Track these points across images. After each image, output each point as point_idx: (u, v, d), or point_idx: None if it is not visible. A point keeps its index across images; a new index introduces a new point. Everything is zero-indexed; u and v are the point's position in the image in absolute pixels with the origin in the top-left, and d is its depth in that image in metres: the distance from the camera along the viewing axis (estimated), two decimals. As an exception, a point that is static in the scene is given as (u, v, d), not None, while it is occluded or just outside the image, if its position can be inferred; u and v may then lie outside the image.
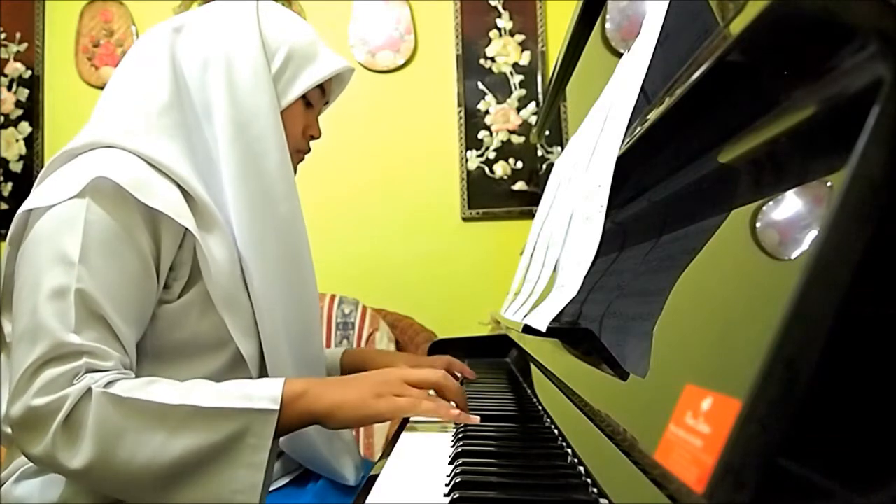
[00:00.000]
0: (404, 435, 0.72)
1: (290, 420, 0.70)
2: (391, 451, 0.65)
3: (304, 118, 0.92)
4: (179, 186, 0.78)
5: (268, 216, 0.84)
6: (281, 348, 0.85)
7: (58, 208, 0.72)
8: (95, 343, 0.69)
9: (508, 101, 2.32)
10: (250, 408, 0.68)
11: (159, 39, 0.86)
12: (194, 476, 0.67)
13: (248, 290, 0.83)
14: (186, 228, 0.76)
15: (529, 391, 0.89)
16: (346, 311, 2.07)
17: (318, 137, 0.95)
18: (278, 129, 0.85)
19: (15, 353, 0.69)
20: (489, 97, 2.32)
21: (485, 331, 1.52)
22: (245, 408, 0.68)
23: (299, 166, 0.95)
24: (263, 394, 0.69)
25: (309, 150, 0.96)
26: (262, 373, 0.85)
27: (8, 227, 0.78)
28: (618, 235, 0.64)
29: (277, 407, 0.68)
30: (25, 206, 0.75)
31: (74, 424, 0.65)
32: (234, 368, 0.82)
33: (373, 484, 0.53)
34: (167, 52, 0.84)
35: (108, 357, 0.69)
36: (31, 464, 0.76)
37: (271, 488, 0.83)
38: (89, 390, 0.66)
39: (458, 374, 1.02)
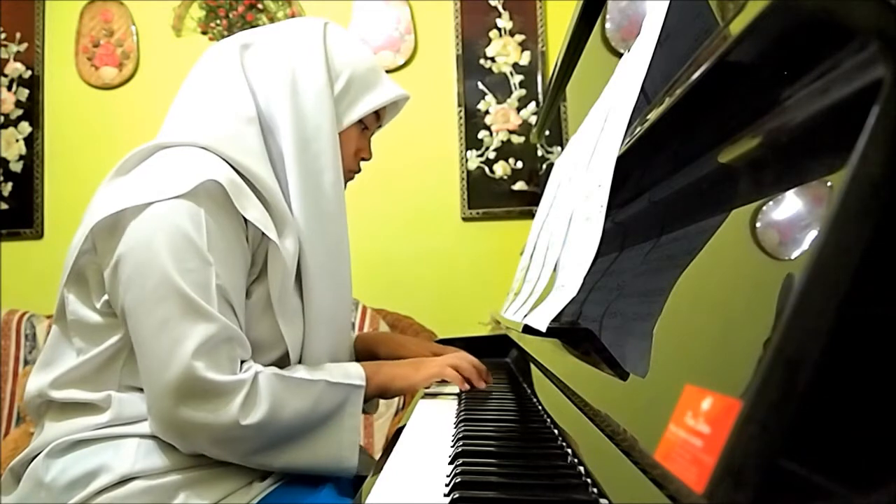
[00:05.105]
0: (405, 430, 0.72)
1: (368, 393, 0.88)
2: (392, 448, 0.65)
3: (358, 140, 0.97)
4: (259, 193, 0.84)
5: (319, 234, 0.89)
6: (320, 340, 0.92)
7: (174, 203, 0.76)
8: (238, 330, 0.79)
9: (508, 101, 2.32)
10: (350, 383, 0.86)
11: (228, 55, 0.90)
12: (315, 435, 0.83)
13: (300, 289, 0.89)
14: (264, 234, 0.82)
15: (529, 391, 0.89)
16: (346, 311, 2.07)
17: (368, 159, 1.01)
18: (335, 148, 0.91)
19: (163, 330, 0.74)
20: (489, 97, 2.32)
21: (485, 331, 1.52)
22: (347, 383, 0.86)
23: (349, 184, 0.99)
24: (354, 373, 0.88)
25: (359, 170, 1.01)
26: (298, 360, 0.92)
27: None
28: (618, 235, 0.64)
29: (365, 383, 0.87)
30: (129, 201, 0.77)
31: (251, 397, 0.77)
32: (278, 365, 0.88)
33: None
34: (238, 68, 0.89)
35: (249, 347, 0.81)
36: (60, 440, 0.79)
37: (280, 482, 0.85)
38: (257, 373, 0.78)
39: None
